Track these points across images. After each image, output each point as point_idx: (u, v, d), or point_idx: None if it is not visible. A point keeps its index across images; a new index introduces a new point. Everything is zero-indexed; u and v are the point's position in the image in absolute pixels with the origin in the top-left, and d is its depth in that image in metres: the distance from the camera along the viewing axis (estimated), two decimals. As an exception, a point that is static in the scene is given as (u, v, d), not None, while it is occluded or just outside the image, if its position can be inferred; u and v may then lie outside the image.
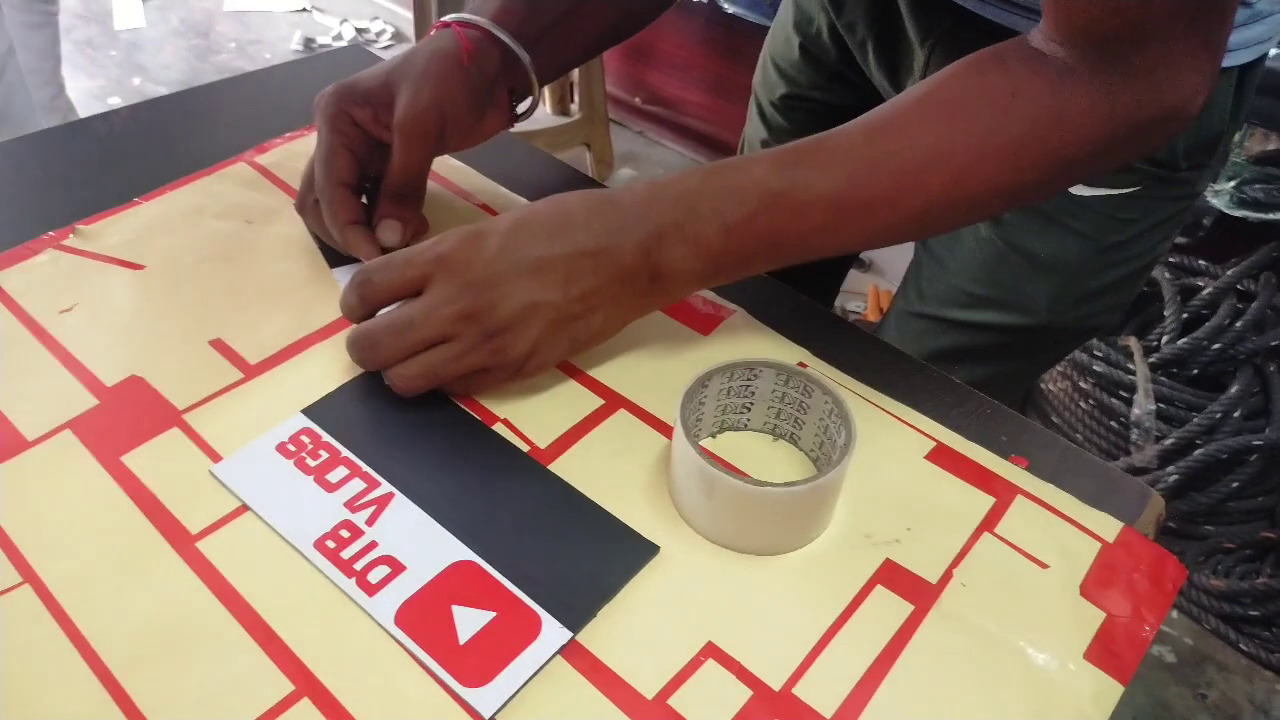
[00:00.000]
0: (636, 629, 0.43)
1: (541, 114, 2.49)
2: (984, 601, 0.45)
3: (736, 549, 0.46)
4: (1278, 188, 1.41)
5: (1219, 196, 1.44)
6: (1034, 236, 0.72)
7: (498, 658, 0.41)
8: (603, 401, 0.53)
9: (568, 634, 0.42)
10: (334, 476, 0.48)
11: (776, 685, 0.41)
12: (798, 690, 0.41)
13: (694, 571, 0.45)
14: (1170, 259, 1.62)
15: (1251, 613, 1.43)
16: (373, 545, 0.45)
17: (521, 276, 0.49)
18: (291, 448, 0.49)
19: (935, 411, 0.54)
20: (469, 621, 0.42)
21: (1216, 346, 1.49)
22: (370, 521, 0.46)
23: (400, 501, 0.47)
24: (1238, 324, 1.49)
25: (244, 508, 0.47)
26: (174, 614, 0.42)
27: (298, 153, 0.72)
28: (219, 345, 0.55)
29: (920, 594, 0.45)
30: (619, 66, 2.61)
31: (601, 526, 0.47)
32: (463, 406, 0.53)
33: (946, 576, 0.46)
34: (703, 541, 0.47)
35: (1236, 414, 1.47)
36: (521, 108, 0.66)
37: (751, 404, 0.51)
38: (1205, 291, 1.55)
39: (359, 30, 3.17)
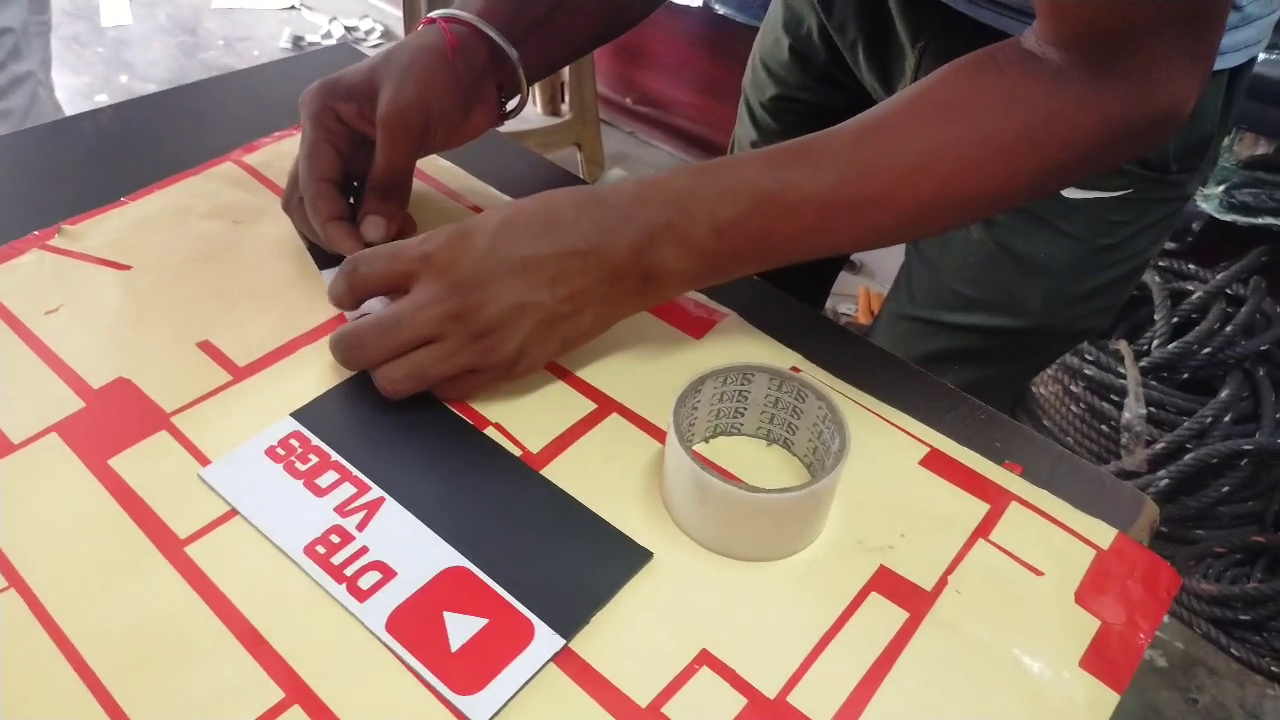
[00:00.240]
0: (630, 636, 0.43)
1: (532, 114, 2.49)
2: (978, 609, 0.45)
3: (730, 555, 0.46)
4: (1267, 192, 1.42)
5: (1209, 201, 1.45)
6: (1025, 239, 0.72)
7: (490, 665, 0.41)
8: (595, 405, 0.53)
9: (560, 641, 0.42)
10: (324, 481, 0.48)
11: (771, 693, 0.41)
12: (792, 698, 0.41)
13: (687, 578, 0.45)
14: (1160, 263, 1.63)
15: (1242, 617, 1.43)
16: (363, 551, 0.45)
17: (509, 276, 0.49)
18: (281, 451, 0.49)
19: (929, 417, 0.54)
20: (461, 628, 0.42)
21: (1206, 351, 1.50)
22: (361, 526, 0.46)
23: (391, 506, 0.47)
24: (1228, 328, 1.49)
25: (233, 512, 0.46)
26: (162, 619, 0.42)
27: (286, 152, 0.71)
28: (207, 347, 0.55)
29: (915, 601, 0.45)
30: (609, 67, 2.60)
31: (594, 532, 0.47)
32: (454, 410, 0.52)
33: (941, 583, 0.45)
34: (696, 547, 0.46)
35: (1227, 418, 1.47)
36: (510, 105, 0.66)
37: (745, 409, 0.51)
38: (1195, 296, 1.55)
39: (348, 28, 3.16)
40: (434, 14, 0.60)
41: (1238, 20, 0.62)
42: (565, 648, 0.42)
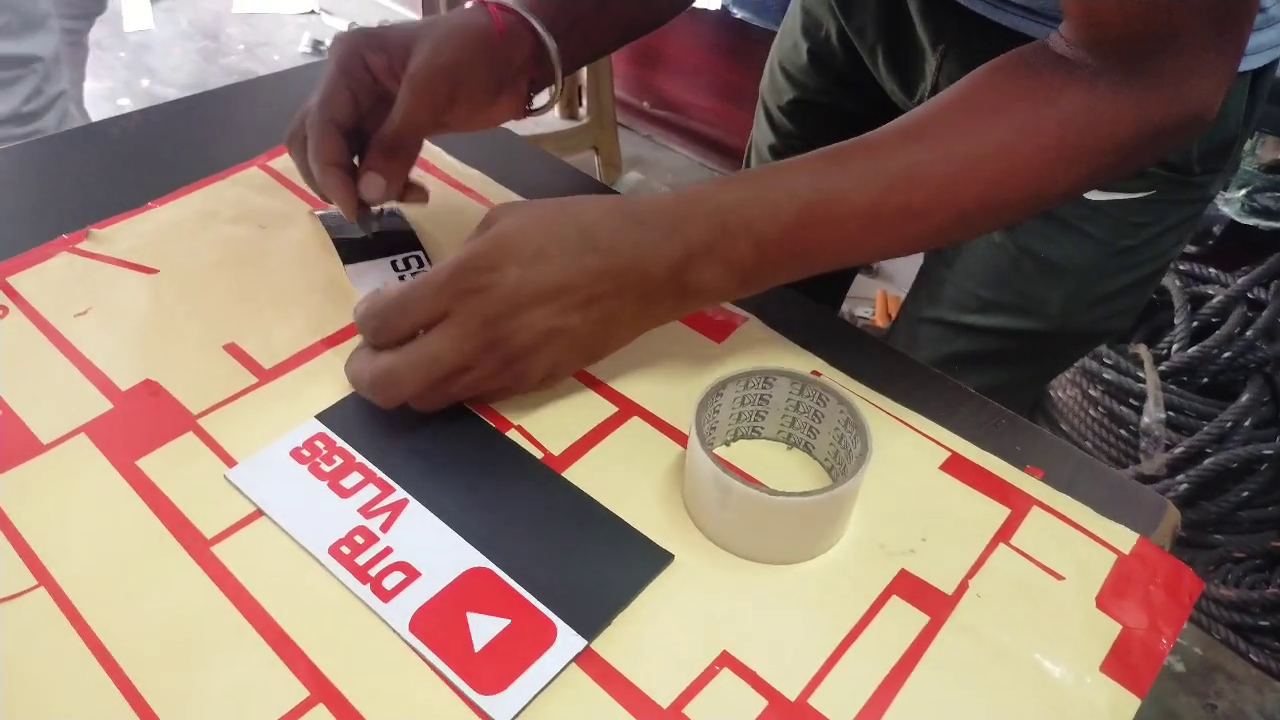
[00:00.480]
0: (651, 637, 0.43)
1: (550, 118, 2.49)
2: (1000, 613, 0.45)
3: (751, 558, 0.46)
4: (1288, 196, 1.41)
5: (1230, 205, 1.44)
6: (1047, 241, 0.72)
7: (513, 665, 0.41)
8: (616, 409, 0.53)
9: (582, 642, 0.42)
10: (348, 482, 0.48)
11: (792, 695, 0.41)
12: (813, 700, 0.41)
13: (708, 580, 0.45)
14: (1181, 267, 1.62)
15: (1261, 623, 1.42)
16: (387, 551, 0.45)
17: (542, 303, 0.48)
18: (306, 453, 0.49)
19: (949, 421, 0.54)
20: (484, 629, 0.42)
21: (1227, 355, 1.49)
22: (385, 528, 0.46)
23: (414, 508, 0.47)
24: (1248, 332, 1.49)
25: (259, 513, 0.47)
26: (188, 618, 0.42)
27: (311, 157, 0.72)
28: (233, 350, 0.55)
29: (936, 605, 0.45)
30: (627, 71, 2.61)
31: (616, 534, 0.47)
32: (477, 413, 0.52)
33: (962, 588, 0.46)
34: (717, 550, 0.47)
35: (1247, 423, 1.46)
36: (539, 100, 0.65)
37: (766, 412, 0.51)
38: (1216, 299, 1.54)
39: (367, 33, 3.17)
40: None
41: (1262, 21, 0.61)
42: (587, 648, 0.42)
